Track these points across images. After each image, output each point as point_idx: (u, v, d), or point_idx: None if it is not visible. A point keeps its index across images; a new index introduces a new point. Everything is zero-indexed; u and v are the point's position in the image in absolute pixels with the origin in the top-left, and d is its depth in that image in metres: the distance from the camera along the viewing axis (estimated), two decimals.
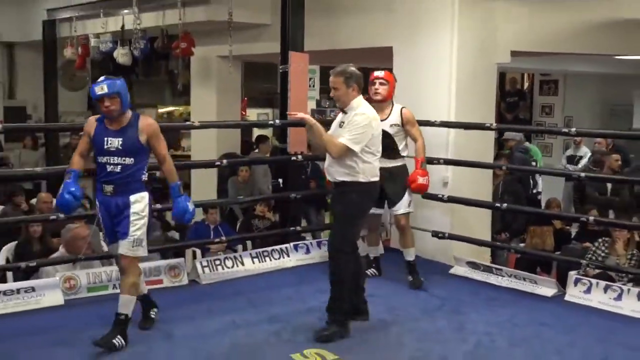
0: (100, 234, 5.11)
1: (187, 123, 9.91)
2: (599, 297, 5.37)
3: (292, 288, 5.71)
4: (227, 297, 5.47)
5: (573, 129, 7.02)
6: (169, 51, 9.25)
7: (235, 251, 6.51)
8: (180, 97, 14.24)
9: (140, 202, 4.39)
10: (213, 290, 5.67)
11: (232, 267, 6.05)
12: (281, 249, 6.41)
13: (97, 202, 4.47)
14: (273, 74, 11.38)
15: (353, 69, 4.63)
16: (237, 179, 8.90)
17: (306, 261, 6.43)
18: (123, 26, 9.07)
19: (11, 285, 5.23)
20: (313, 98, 13.24)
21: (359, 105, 4.62)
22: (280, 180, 7.24)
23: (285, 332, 4.70)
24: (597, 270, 5.91)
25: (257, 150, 10.08)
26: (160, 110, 15.04)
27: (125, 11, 8.59)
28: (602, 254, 6.23)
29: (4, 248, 6.34)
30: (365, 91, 5.23)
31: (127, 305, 4.36)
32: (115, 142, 4.29)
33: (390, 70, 5.53)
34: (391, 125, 5.65)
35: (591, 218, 6.25)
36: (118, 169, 4.31)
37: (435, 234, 6.55)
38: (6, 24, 12.49)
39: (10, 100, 13.49)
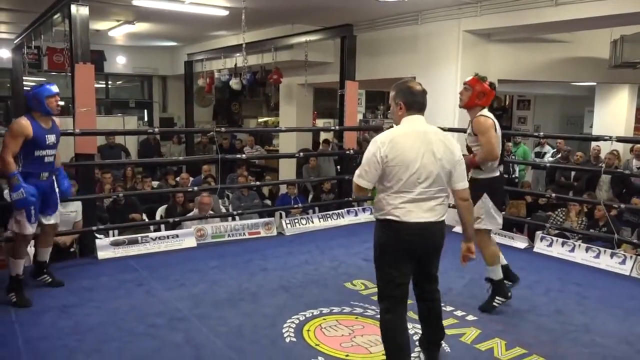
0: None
1: (277, 128, 9.96)
2: (558, 250, 5.19)
3: (345, 239, 5.69)
4: (302, 244, 5.48)
5: (541, 134, 6.80)
6: (265, 80, 9.26)
7: (308, 213, 6.49)
8: (272, 111, 14.33)
9: (55, 181, 3.90)
10: (293, 239, 5.69)
11: (306, 224, 6.05)
12: (338, 212, 6.38)
13: (24, 187, 3.54)
14: (334, 95, 11.29)
15: (402, 83, 2.75)
16: (309, 166, 8.88)
17: (354, 221, 6.38)
18: (236, 64, 9.12)
19: (163, 233, 5.36)
20: (361, 112, 13.13)
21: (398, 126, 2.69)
22: (339, 167, 7.19)
23: (340, 268, 4.69)
24: (557, 231, 5.71)
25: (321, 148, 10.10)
26: (259, 120, 15.14)
27: (237, 54, 8.60)
28: (561, 220, 6.00)
29: (159, 209, 6.50)
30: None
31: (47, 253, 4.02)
32: (52, 138, 3.72)
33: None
34: (468, 135, 3.76)
35: (553, 195, 6.03)
36: (52, 159, 3.78)
37: None
38: (162, 64, 12.76)
39: (163, 113, 13.79)
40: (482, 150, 3.59)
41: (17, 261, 3.76)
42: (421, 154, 2.56)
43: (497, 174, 3.76)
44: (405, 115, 2.67)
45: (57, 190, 3.93)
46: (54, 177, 3.89)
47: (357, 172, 2.67)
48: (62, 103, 3.91)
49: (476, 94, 3.64)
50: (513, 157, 9.31)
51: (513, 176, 8.89)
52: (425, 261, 2.73)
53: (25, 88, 10.36)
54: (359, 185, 2.63)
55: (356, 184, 2.65)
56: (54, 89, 3.71)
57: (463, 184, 2.73)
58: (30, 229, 3.75)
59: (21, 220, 3.68)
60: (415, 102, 2.68)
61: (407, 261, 2.63)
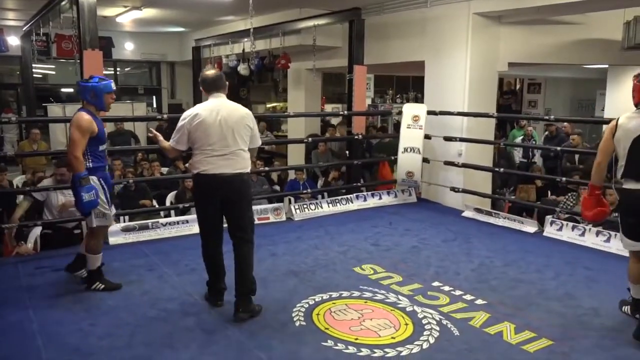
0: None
1: (285, 114, 9.91)
2: (567, 234, 5.17)
3: (354, 223, 5.69)
4: (311, 229, 5.49)
5: (552, 117, 6.75)
6: (273, 66, 9.21)
7: (317, 199, 6.50)
8: (280, 97, 14.28)
9: None
10: (302, 224, 5.71)
11: (315, 209, 6.06)
12: (347, 197, 6.38)
13: (98, 181, 3.57)
14: (342, 80, 11.20)
15: (201, 73, 3.42)
16: (318, 151, 8.86)
17: (363, 206, 6.39)
18: (244, 50, 9.09)
19: (173, 218, 5.39)
20: (369, 97, 13.04)
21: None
22: (347, 152, 7.18)
23: (349, 252, 4.70)
24: (567, 215, 5.67)
25: (328, 134, 10.05)
26: (268, 105, 15.07)
27: (245, 39, 8.56)
28: (571, 204, 5.96)
29: (168, 195, 6.52)
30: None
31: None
32: (106, 131, 3.76)
33: None
34: None
35: (564, 179, 5.98)
36: (106, 151, 3.80)
37: (453, 189, 6.42)
38: (171, 49, 12.75)
39: (172, 99, 13.83)
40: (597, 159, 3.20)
41: (97, 256, 3.72)
42: (217, 121, 3.22)
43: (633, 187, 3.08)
44: (206, 95, 3.36)
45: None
46: None
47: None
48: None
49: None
50: (534, 141, 9.27)
51: (532, 160, 8.85)
52: (228, 208, 3.33)
53: (34, 75, 10.43)
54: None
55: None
56: (113, 86, 3.66)
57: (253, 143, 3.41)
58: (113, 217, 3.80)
59: (107, 213, 3.65)
60: (208, 85, 3.35)
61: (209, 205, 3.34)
